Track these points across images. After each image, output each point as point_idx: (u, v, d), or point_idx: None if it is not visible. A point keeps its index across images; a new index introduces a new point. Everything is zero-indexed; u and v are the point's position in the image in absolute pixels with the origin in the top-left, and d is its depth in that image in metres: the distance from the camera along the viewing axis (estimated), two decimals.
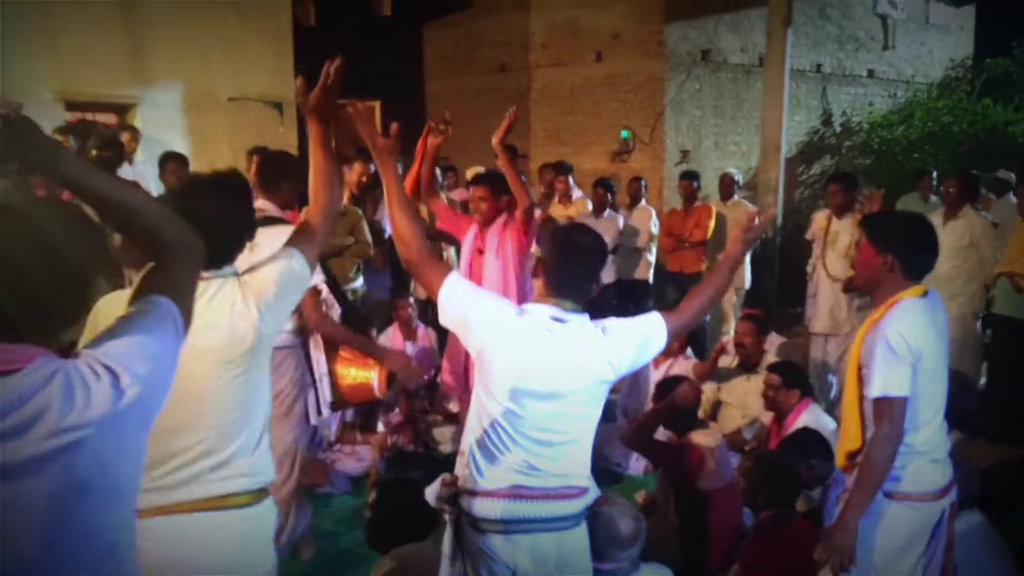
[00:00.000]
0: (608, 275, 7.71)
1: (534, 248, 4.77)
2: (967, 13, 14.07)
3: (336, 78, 2.40)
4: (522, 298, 4.48)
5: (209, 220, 2.10)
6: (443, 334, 5.89)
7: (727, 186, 8.68)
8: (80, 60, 8.56)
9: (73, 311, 1.46)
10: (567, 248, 2.60)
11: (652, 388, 5.38)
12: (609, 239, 7.18)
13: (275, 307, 2.28)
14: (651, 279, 8.53)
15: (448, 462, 5.23)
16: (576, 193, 8.55)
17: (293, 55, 10.03)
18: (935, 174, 9.16)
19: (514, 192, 4.62)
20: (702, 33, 10.75)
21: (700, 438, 4.24)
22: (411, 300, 6.57)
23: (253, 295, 2.26)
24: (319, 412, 4.06)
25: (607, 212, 8.09)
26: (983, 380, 6.76)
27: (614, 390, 2.77)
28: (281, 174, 3.96)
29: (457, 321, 2.59)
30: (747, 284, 8.48)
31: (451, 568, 2.60)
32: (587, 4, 11.07)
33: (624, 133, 10.83)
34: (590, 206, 8.18)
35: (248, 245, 2.46)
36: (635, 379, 5.92)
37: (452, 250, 7.01)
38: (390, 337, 6.35)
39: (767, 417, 5.21)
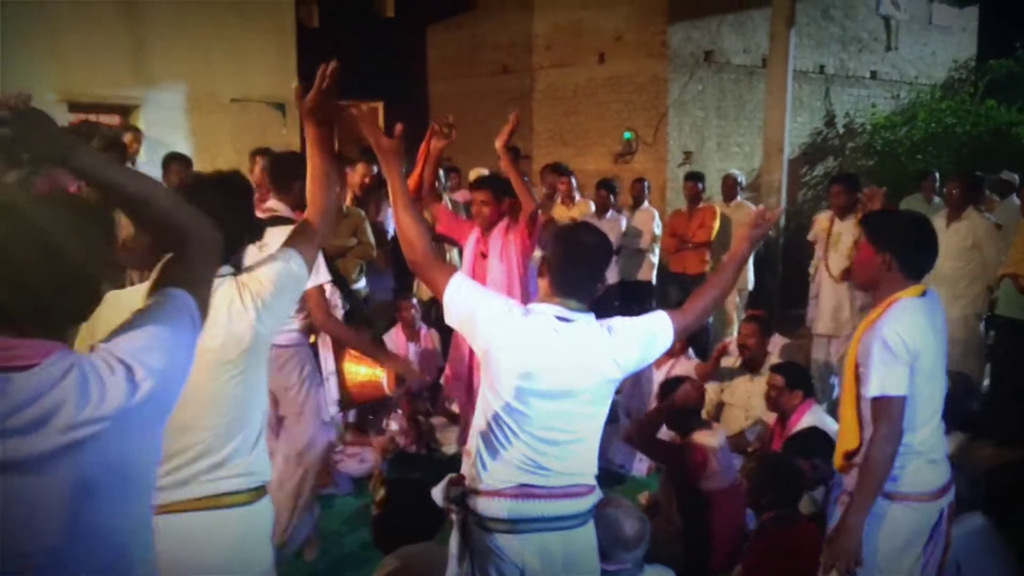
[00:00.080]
0: (611, 276, 7.71)
1: (536, 251, 4.76)
2: (970, 14, 14.05)
3: (332, 80, 2.40)
4: (526, 301, 4.47)
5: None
6: (446, 336, 5.89)
7: (730, 187, 8.68)
8: (83, 61, 8.58)
9: (76, 309, 1.44)
10: (572, 247, 2.60)
11: (655, 388, 5.38)
12: (612, 240, 7.17)
13: (273, 307, 2.29)
14: (654, 280, 8.53)
15: (451, 463, 5.24)
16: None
17: (296, 56, 10.04)
18: (938, 175, 9.15)
19: (519, 195, 4.61)
20: (705, 34, 10.75)
21: (703, 438, 4.24)
22: (414, 301, 6.57)
23: (251, 295, 2.26)
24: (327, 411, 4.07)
25: (610, 213, 8.09)
26: (986, 382, 6.75)
27: (617, 391, 2.77)
28: (293, 174, 3.97)
29: (463, 320, 2.59)
30: (750, 285, 8.48)
31: (458, 568, 2.60)
32: (590, 5, 11.07)
33: (627, 134, 10.83)
34: (593, 207, 8.18)
35: (257, 245, 2.48)
36: (637, 379, 5.91)
37: (455, 252, 7.01)
38: (393, 338, 6.36)
39: (770, 418, 5.20)
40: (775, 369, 5.10)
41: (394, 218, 2.69)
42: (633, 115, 10.85)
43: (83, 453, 1.31)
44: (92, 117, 8.44)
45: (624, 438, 4.70)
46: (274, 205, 4.05)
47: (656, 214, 8.54)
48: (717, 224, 8.19)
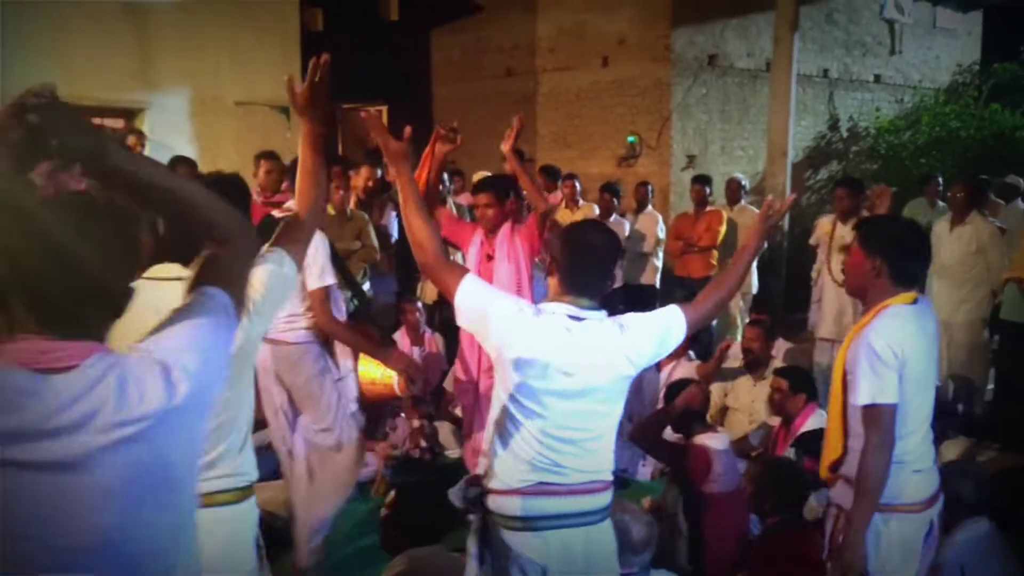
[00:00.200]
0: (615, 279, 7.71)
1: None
2: (974, 18, 14.05)
3: (323, 74, 2.39)
4: (534, 301, 4.47)
5: None
6: (450, 340, 5.89)
7: (734, 191, 8.67)
8: (87, 65, 8.58)
9: (108, 310, 1.42)
10: (580, 247, 2.59)
11: (659, 390, 5.38)
12: None
13: (262, 310, 2.29)
14: (658, 284, 8.53)
15: (456, 467, 5.23)
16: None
17: (300, 60, 10.03)
18: (942, 179, 9.14)
19: (530, 196, 4.61)
20: (709, 38, 10.75)
21: (708, 441, 4.24)
22: (418, 305, 6.57)
23: None
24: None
25: (613, 217, 8.10)
26: (991, 386, 6.74)
27: None
28: None
29: (475, 321, 2.58)
30: (754, 289, 8.46)
31: (479, 569, 2.58)
32: (594, 9, 11.07)
33: (631, 138, 10.83)
34: (596, 211, 8.18)
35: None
36: (639, 382, 5.90)
37: (459, 255, 7.01)
38: (397, 342, 6.36)
39: (774, 423, 5.20)
40: (779, 373, 5.10)
41: (404, 220, 2.69)
42: (637, 119, 10.85)
43: (125, 453, 1.32)
44: (97, 121, 8.45)
45: (629, 438, 4.70)
46: (293, 206, 4.06)
47: (660, 218, 8.54)
48: (724, 228, 8.14)
